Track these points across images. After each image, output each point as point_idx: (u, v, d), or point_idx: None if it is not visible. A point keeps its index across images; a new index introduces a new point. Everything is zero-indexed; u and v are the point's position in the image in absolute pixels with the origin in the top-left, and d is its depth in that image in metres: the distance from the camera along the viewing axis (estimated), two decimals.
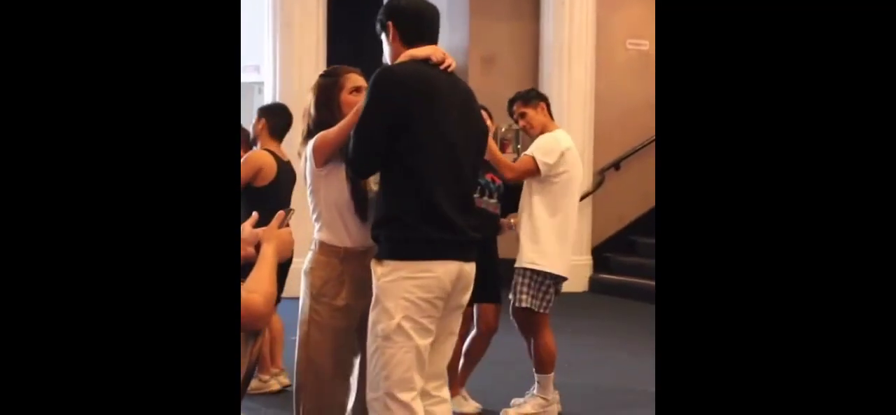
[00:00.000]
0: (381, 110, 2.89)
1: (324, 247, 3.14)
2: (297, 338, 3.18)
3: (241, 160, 5.08)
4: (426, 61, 2.99)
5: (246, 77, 11.01)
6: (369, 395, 2.96)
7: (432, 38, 3.07)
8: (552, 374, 4.71)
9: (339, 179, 3.08)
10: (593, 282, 9.40)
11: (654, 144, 9.80)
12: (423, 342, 2.92)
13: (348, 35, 9.04)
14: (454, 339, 3.18)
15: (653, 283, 8.63)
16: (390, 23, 3.05)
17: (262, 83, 9.70)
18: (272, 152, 5.15)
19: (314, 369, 3.13)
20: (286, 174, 5.17)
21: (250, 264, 2.34)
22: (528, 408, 4.74)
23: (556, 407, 4.78)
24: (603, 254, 9.59)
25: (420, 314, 2.90)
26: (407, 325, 2.88)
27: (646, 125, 9.64)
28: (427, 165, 2.90)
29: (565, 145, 4.57)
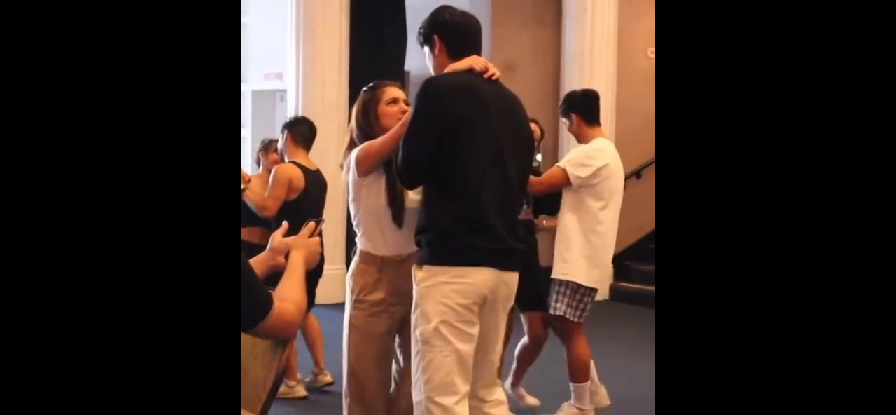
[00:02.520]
0: (428, 120, 2.96)
1: (364, 255, 3.29)
2: (345, 340, 3.33)
3: (271, 176, 5.19)
4: (469, 71, 3.06)
5: (268, 84, 11.10)
6: (414, 398, 3.03)
7: (476, 49, 3.14)
8: (588, 383, 4.71)
9: (379, 189, 3.22)
10: (614, 290, 9.39)
11: None
12: (464, 347, 2.96)
13: (370, 41, 9.08)
14: (501, 346, 3.25)
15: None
16: (435, 36, 3.14)
17: (284, 91, 9.75)
18: (299, 164, 5.27)
19: (355, 371, 3.28)
20: (316, 184, 5.28)
21: (279, 273, 2.38)
22: None
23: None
24: (624, 262, 9.57)
25: (457, 319, 2.95)
26: (444, 329, 2.94)
27: None
28: (472, 173, 2.95)
29: (602, 161, 4.50)
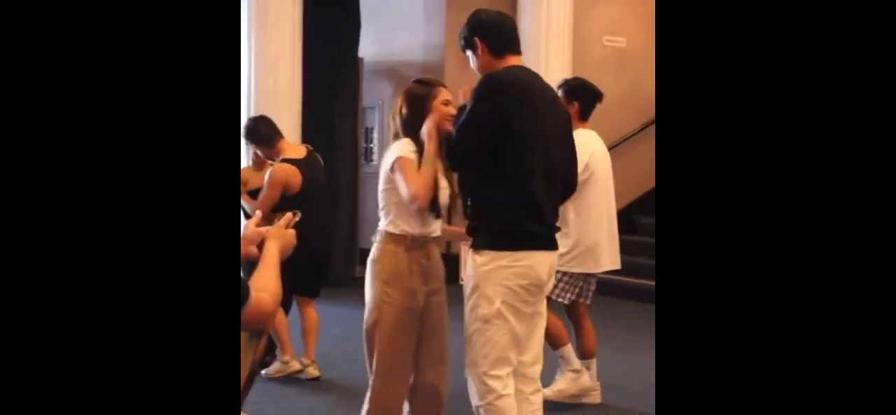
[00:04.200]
0: (487, 111, 3.20)
1: (391, 237, 3.54)
2: (368, 322, 3.55)
3: (267, 177, 5.16)
4: (518, 67, 3.32)
5: None
6: (469, 371, 3.29)
7: (516, 44, 3.39)
8: (567, 345, 4.91)
9: None
10: None
11: (629, 141, 9.83)
12: (520, 325, 3.25)
13: (324, 29, 8.98)
14: (545, 320, 3.49)
15: (630, 280, 8.66)
16: (477, 39, 3.37)
17: None
18: (292, 160, 5.28)
19: (388, 348, 3.51)
20: (312, 172, 5.30)
21: (252, 263, 2.36)
22: (562, 384, 4.93)
23: (596, 389, 5.01)
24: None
25: (517, 300, 3.22)
26: (505, 310, 3.20)
27: (621, 122, 9.68)
28: (528, 163, 3.20)
29: (588, 154, 4.70)
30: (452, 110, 3.49)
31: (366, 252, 5.91)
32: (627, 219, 9.77)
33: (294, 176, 5.18)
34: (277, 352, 5.39)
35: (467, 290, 3.28)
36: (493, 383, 3.22)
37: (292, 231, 2.49)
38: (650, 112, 10.08)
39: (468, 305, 3.28)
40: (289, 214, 2.53)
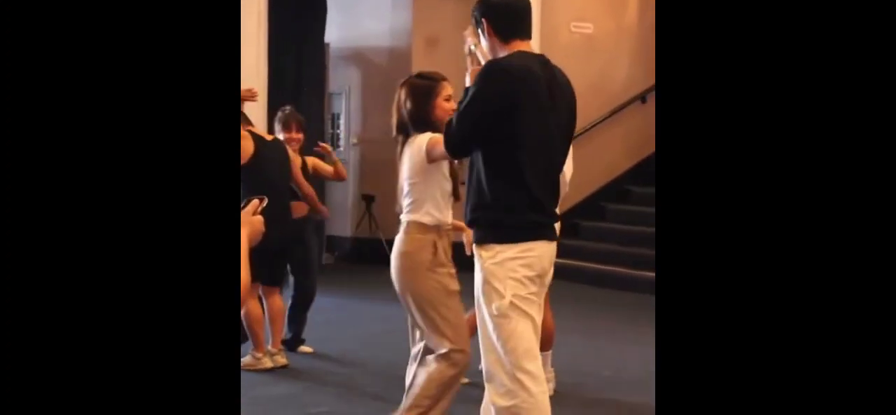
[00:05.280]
0: (488, 98, 3.10)
1: (420, 226, 3.73)
2: (424, 312, 3.72)
3: None
4: (526, 54, 3.22)
5: None
6: (494, 373, 3.15)
7: (526, 29, 3.30)
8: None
9: (441, 170, 3.74)
10: None
11: (596, 127, 9.83)
12: (536, 315, 3.18)
13: (290, 12, 8.89)
14: (542, 313, 3.42)
15: (594, 266, 8.69)
16: (484, 19, 3.24)
17: None
18: (252, 133, 5.26)
19: (467, 321, 3.76)
20: (269, 161, 5.24)
21: None
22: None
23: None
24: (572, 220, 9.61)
25: (526, 290, 3.13)
26: (518, 301, 3.11)
27: (589, 108, 9.66)
28: (528, 153, 3.11)
29: None
30: (452, 107, 3.51)
31: (333, 239, 5.92)
32: (594, 207, 9.81)
33: (244, 138, 5.13)
34: (250, 345, 5.36)
35: (478, 290, 3.18)
36: (526, 381, 3.08)
37: (260, 218, 2.44)
38: (617, 99, 10.12)
39: (480, 306, 3.18)
40: (255, 200, 2.47)
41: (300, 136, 5.72)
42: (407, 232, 3.74)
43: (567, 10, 9.87)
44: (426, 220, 3.73)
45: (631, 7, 10.44)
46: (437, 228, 3.75)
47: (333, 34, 9.84)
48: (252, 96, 5.53)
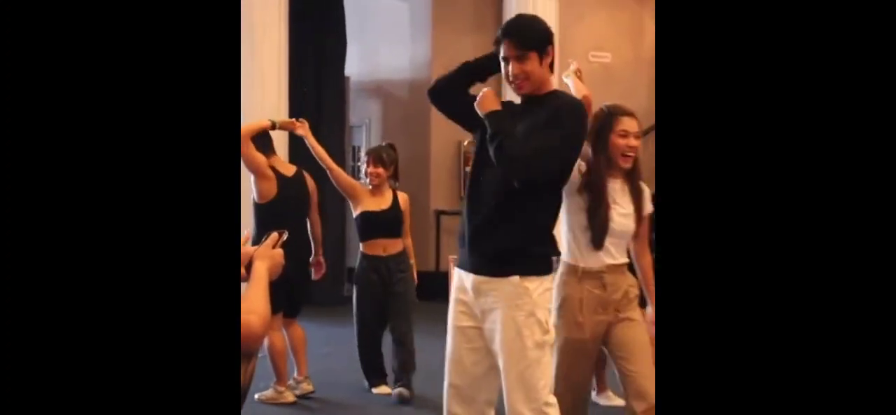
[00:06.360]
0: (577, 142, 3.15)
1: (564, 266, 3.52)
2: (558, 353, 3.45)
3: None
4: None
5: None
6: (522, 407, 3.05)
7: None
8: None
9: (578, 206, 3.46)
10: None
11: None
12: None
13: (311, 46, 8.96)
14: None
15: None
16: (550, 48, 3.19)
17: None
18: (275, 171, 5.33)
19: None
20: (289, 199, 5.33)
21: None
22: None
23: None
24: None
25: (551, 320, 3.21)
26: (551, 329, 3.16)
27: None
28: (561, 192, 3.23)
29: None
30: (626, 144, 3.46)
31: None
32: None
33: (268, 179, 5.27)
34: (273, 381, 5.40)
35: (520, 319, 3.05)
36: (552, 412, 3.07)
37: (280, 251, 2.45)
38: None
39: (520, 335, 3.04)
40: (275, 234, 2.48)
41: (380, 171, 5.53)
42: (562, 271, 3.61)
43: (585, 39, 9.89)
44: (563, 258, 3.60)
45: (648, 36, 10.45)
46: (577, 271, 3.54)
47: (353, 67, 9.90)
48: (294, 128, 5.50)
